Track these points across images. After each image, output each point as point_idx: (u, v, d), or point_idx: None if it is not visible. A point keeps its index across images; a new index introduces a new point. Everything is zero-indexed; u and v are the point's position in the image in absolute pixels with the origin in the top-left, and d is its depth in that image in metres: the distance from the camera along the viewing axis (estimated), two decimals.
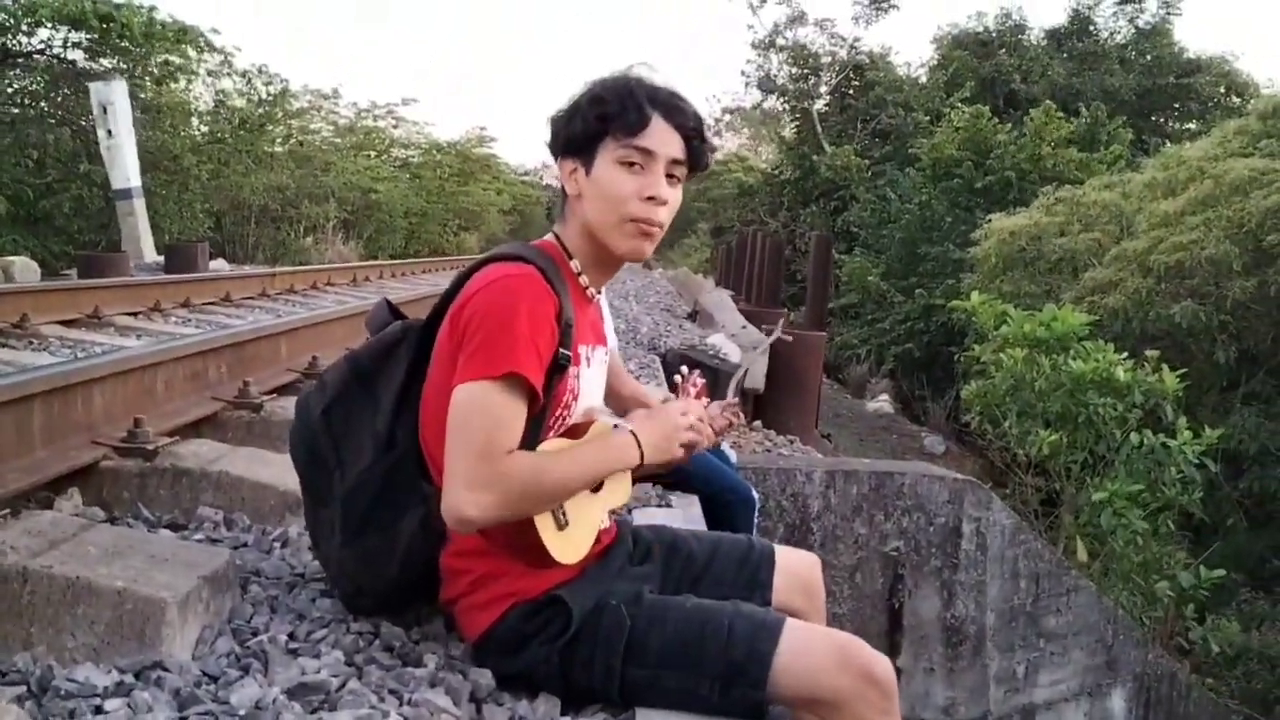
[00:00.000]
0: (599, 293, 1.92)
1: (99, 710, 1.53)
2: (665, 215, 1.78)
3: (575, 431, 1.82)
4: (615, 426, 1.83)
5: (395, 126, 26.91)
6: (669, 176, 1.78)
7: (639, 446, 1.77)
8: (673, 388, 2.10)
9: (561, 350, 1.72)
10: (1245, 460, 10.64)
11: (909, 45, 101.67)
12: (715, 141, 1.89)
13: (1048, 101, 20.95)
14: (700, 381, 2.04)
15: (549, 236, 1.87)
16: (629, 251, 1.79)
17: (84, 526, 1.96)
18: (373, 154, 25.33)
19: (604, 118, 1.74)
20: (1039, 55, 26.79)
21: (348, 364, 1.95)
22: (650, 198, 1.75)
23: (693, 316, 11.47)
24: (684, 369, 2.04)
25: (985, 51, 27.43)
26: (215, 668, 1.72)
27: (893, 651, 4.85)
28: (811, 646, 1.69)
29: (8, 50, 13.44)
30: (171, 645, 1.72)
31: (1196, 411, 8.72)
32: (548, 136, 1.83)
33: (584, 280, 1.84)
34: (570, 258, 1.83)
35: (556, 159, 1.83)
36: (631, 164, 1.75)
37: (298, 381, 3.91)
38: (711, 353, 7.37)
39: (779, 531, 4.81)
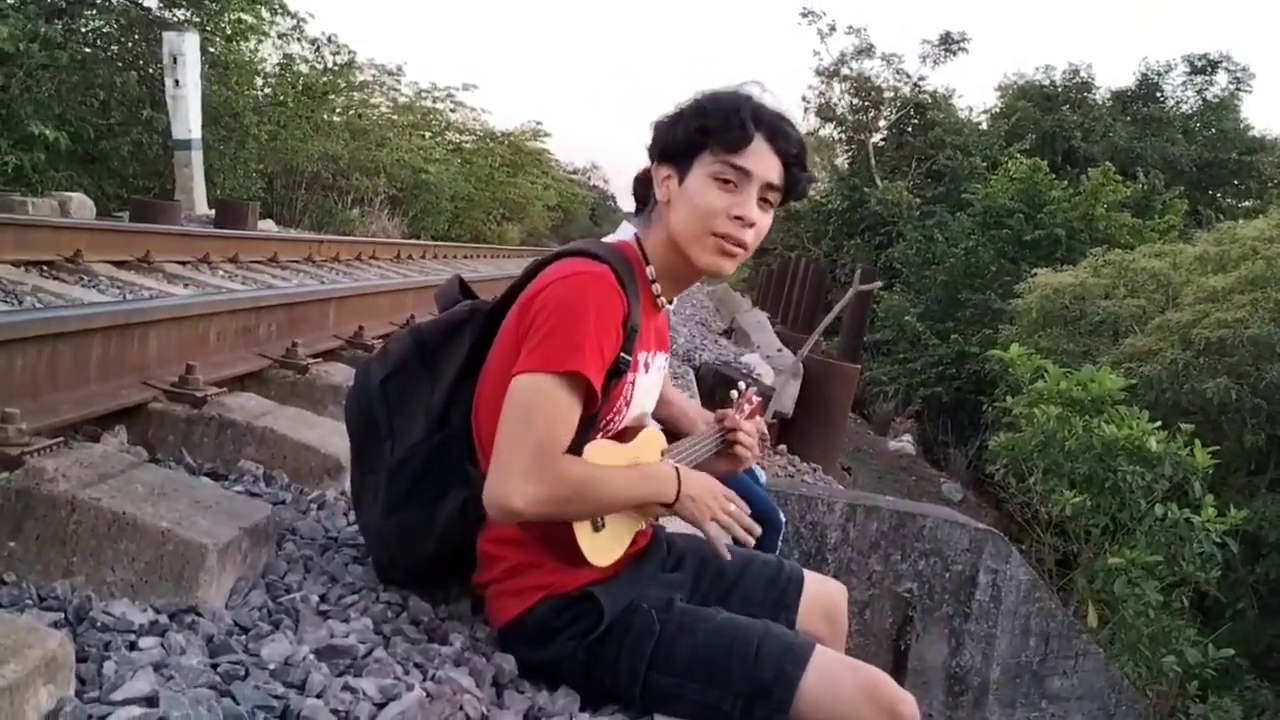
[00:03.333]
0: (670, 304, 1.92)
1: (133, 646, 1.55)
2: (751, 237, 1.77)
3: (625, 435, 1.82)
4: (663, 454, 1.82)
5: (453, 110, 27.04)
6: (762, 200, 1.77)
7: (678, 490, 1.77)
8: (720, 404, 2.10)
9: (623, 355, 1.73)
10: (1264, 546, 10.51)
11: (973, 89, 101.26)
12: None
13: (1107, 163, 20.80)
14: (756, 399, 2.04)
15: (629, 238, 1.88)
16: (709, 265, 1.79)
17: (132, 464, 1.99)
18: (428, 134, 25.45)
19: (705, 130, 1.74)
20: (1102, 115, 26.63)
21: (411, 337, 1.96)
22: (739, 217, 1.74)
23: (728, 334, 11.46)
24: (741, 384, 2.05)
25: (1049, 105, 27.28)
26: (247, 619, 1.74)
27: None
28: (839, 676, 1.69)
29: None
30: (207, 591, 1.74)
31: (1221, 490, 8.61)
32: (649, 139, 1.82)
33: (657, 288, 1.85)
34: (647, 263, 1.83)
35: (653, 163, 1.82)
36: (726, 180, 1.74)
37: (341, 348, 3.94)
38: (745, 372, 7.36)
39: (794, 557, 4.79)
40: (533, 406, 1.65)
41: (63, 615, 1.61)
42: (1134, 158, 24.05)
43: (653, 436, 1.89)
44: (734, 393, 2.06)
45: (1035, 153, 22.64)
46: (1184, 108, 27.51)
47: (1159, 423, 7.21)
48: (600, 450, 1.76)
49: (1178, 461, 6.91)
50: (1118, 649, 6.52)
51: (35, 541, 1.73)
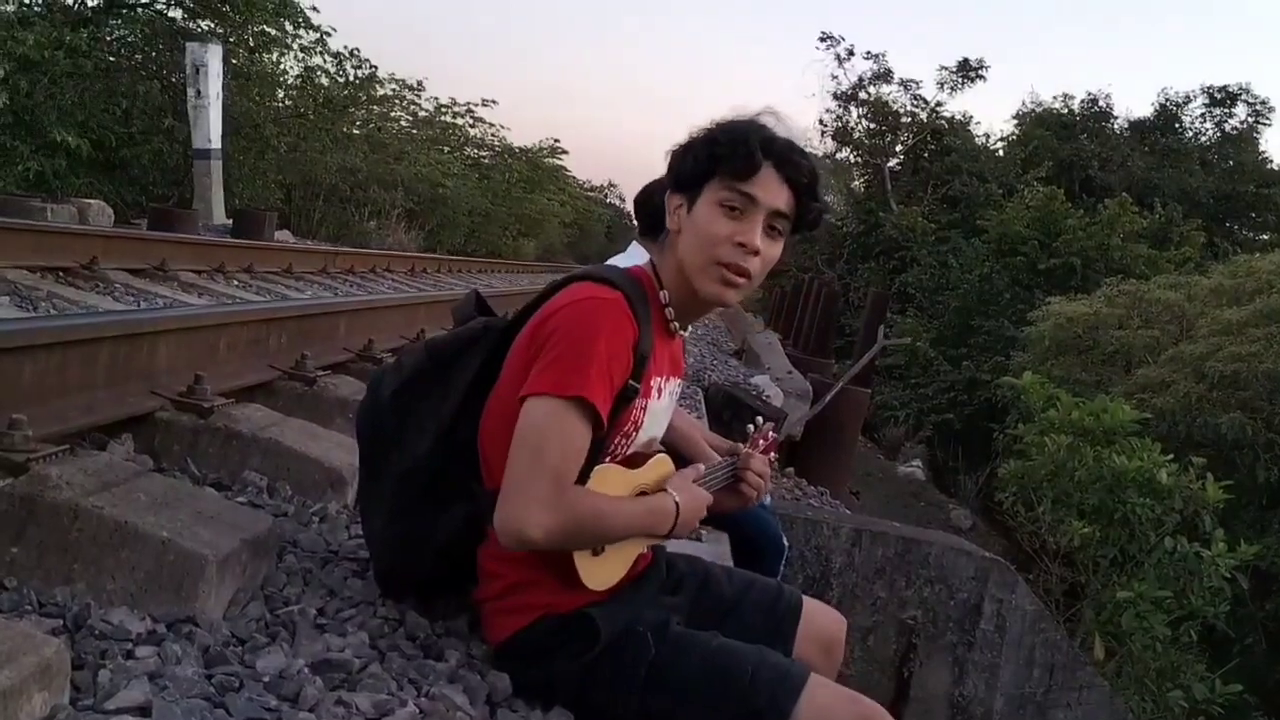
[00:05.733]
0: (684, 330, 1.91)
1: (129, 655, 1.55)
2: (757, 266, 1.77)
3: (635, 460, 1.83)
4: (668, 482, 1.83)
5: (472, 126, 27.22)
6: (770, 228, 1.76)
7: (675, 519, 1.79)
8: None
9: (631, 382, 1.73)
10: (1274, 582, 10.42)
11: (990, 115, 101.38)
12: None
13: (1124, 194, 20.80)
14: (773, 436, 2.04)
15: (645, 264, 1.89)
16: (712, 295, 1.79)
17: (136, 473, 2.00)
18: (446, 149, 25.58)
19: (714, 158, 1.74)
20: (1120, 145, 26.65)
21: (425, 350, 1.97)
22: (741, 244, 1.74)
23: (739, 354, 11.46)
24: (759, 419, 2.04)
25: (1067, 133, 27.32)
26: (244, 631, 1.75)
27: None
28: (833, 707, 1.68)
29: (114, 0, 13.81)
30: (206, 602, 1.75)
31: (1232, 525, 8.56)
32: (664, 170, 1.84)
33: (670, 313, 1.85)
34: (662, 289, 1.84)
35: (669, 193, 1.83)
36: (732, 207, 1.74)
37: (351, 361, 3.96)
38: (754, 393, 7.35)
39: (798, 582, 4.78)
40: (546, 434, 1.65)
41: (61, 622, 1.62)
42: (1151, 188, 24.06)
43: (661, 463, 1.89)
44: (750, 426, 2.05)
45: (1052, 181, 22.67)
46: (1202, 139, 27.54)
47: (1171, 455, 7.18)
48: (608, 475, 1.77)
49: (1189, 495, 6.88)
50: (1124, 682, 6.47)
51: (37, 548, 1.74)
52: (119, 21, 14.16)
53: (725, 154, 1.74)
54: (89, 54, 12.33)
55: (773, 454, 2.01)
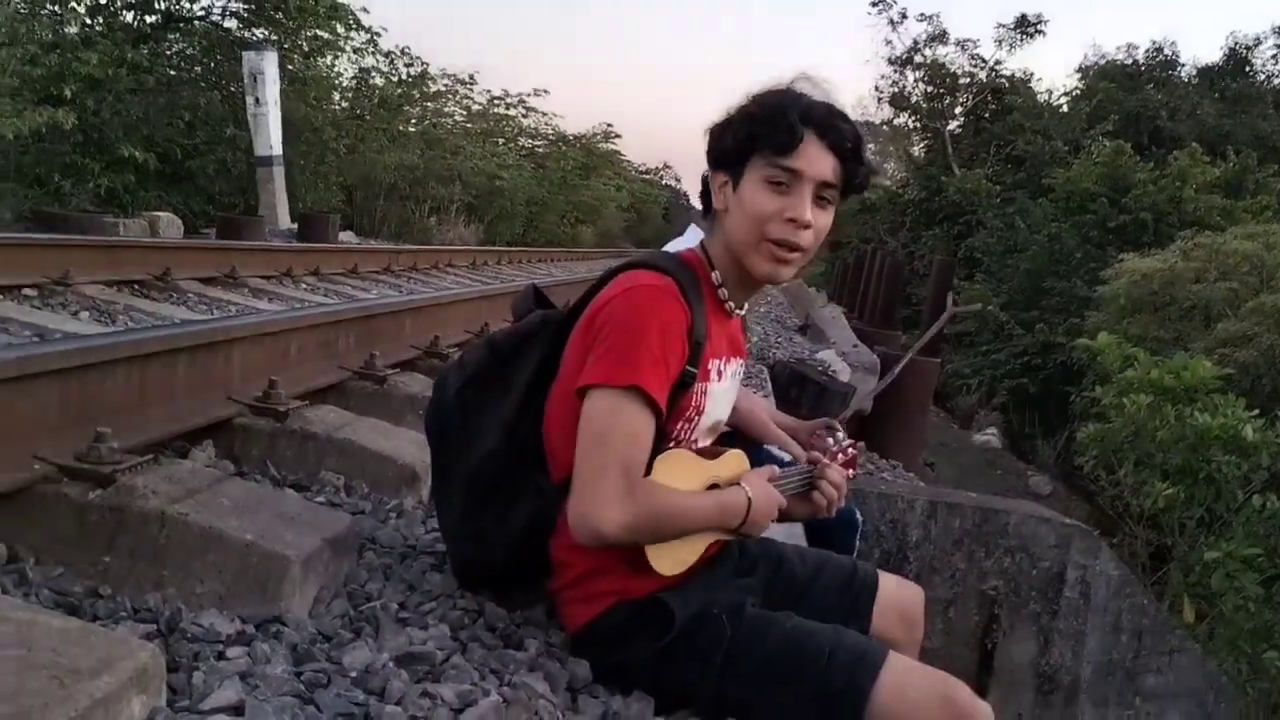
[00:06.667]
0: (740, 309, 1.91)
1: (221, 656, 1.60)
2: (808, 239, 1.75)
3: (710, 453, 1.83)
4: (738, 484, 1.82)
5: (525, 116, 27.34)
6: (819, 199, 1.74)
7: (747, 514, 1.78)
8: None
9: (688, 368, 1.73)
10: None
11: (1051, 71, 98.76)
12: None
13: (1194, 144, 20.17)
14: (852, 452, 2.02)
15: (696, 246, 1.88)
16: (765, 274, 1.78)
17: (218, 479, 2.06)
18: (501, 141, 25.74)
19: (754, 135, 1.72)
20: (1189, 93, 25.85)
21: (487, 347, 2.00)
22: (792, 220, 1.72)
23: (803, 330, 11.38)
24: (838, 434, 2.03)
25: (1132, 85, 26.57)
26: (329, 627, 1.79)
27: (981, 693, 4.72)
28: (912, 684, 1.67)
29: (171, 14, 14.10)
30: (291, 601, 1.79)
31: None
32: (704, 147, 1.82)
33: (723, 294, 1.84)
34: (713, 269, 1.83)
35: (710, 170, 1.82)
36: (778, 184, 1.72)
37: (418, 358, 4.02)
38: (821, 369, 7.29)
39: (874, 556, 4.74)
40: (610, 429, 1.66)
41: (155, 626, 1.68)
42: (1223, 136, 23.29)
43: (737, 459, 1.88)
44: (830, 440, 2.04)
45: (1119, 134, 22.08)
46: (1276, 82, 26.52)
47: (1256, 410, 6.98)
48: (679, 461, 1.77)
49: (1276, 450, 6.68)
50: (1216, 645, 6.32)
51: (128, 556, 1.81)
52: (177, 35, 14.46)
53: (765, 130, 1.72)
54: (150, 69, 12.62)
55: (851, 471, 1.98)
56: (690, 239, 3.29)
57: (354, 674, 1.62)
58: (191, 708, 1.41)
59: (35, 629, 1.34)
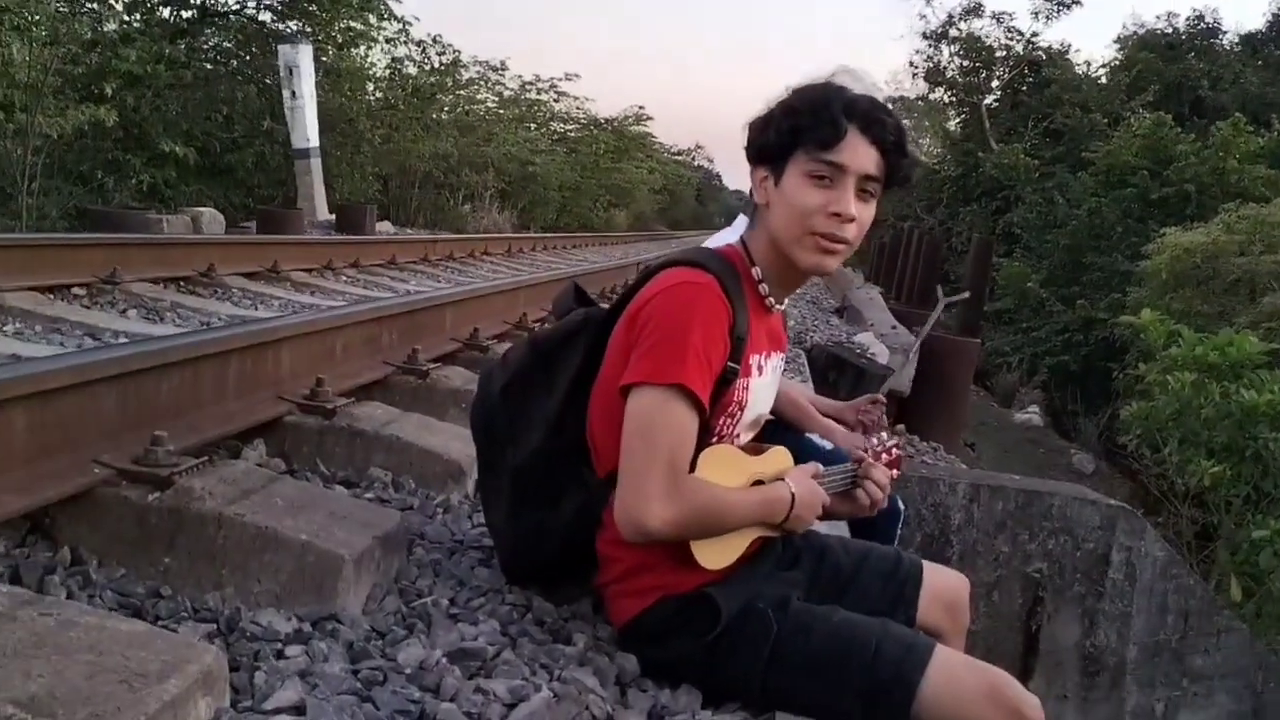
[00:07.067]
0: (780, 305, 1.92)
1: (280, 655, 1.65)
2: (852, 232, 1.76)
3: (754, 450, 1.85)
4: (782, 480, 1.84)
5: (556, 101, 27.35)
6: (861, 192, 1.75)
7: (790, 509, 1.79)
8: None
9: (730, 364, 1.74)
10: None
11: (1090, 43, 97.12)
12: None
13: (1237, 114, 19.75)
14: (897, 452, 2.03)
15: (736, 241, 1.89)
16: (811, 266, 1.79)
17: (271, 479, 2.10)
18: (533, 126, 25.78)
19: (796, 130, 1.72)
20: (1231, 62, 25.30)
21: (529, 345, 2.03)
22: (836, 214, 1.73)
23: (840, 312, 11.33)
24: (883, 434, 2.04)
25: (1173, 55, 26.05)
26: (383, 624, 1.83)
27: (1025, 675, 4.72)
28: (960, 677, 1.67)
29: (206, 9, 14.24)
30: (345, 599, 1.84)
31: None
32: (744, 141, 1.82)
33: (764, 289, 1.85)
34: (753, 265, 1.85)
35: (751, 165, 1.83)
36: (821, 177, 1.72)
37: (459, 351, 4.06)
38: (859, 351, 7.27)
39: (916, 540, 4.74)
40: (653, 425, 1.68)
41: (215, 626, 1.72)
42: (1267, 105, 22.78)
43: (781, 456, 1.90)
44: (874, 440, 2.05)
45: (1160, 105, 21.71)
46: None
47: None
48: (723, 457, 1.78)
49: None
50: (1265, 623, 6.24)
51: (187, 556, 1.86)
52: (213, 30, 14.62)
53: (808, 124, 1.72)
54: (188, 64, 12.78)
55: (896, 471, 1.99)
56: (739, 229, 3.30)
57: (409, 671, 1.65)
58: (255, 708, 1.45)
59: (104, 633, 1.39)
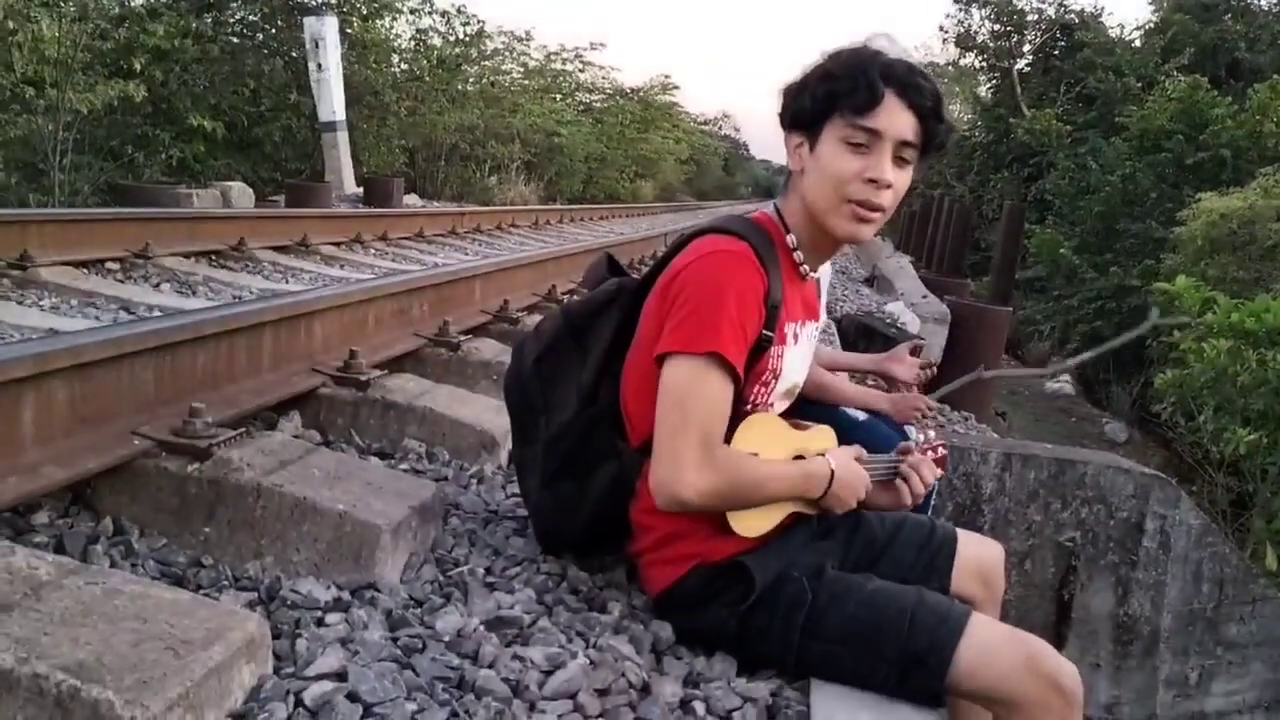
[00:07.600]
0: (815, 273, 1.91)
1: (320, 622, 1.67)
2: (888, 199, 1.73)
3: (798, 425, 1.84)
4: (823, 454, 1.83)
5: (582, 70, 27.18)
6: (898, 158, 1.72)
7: (829, 485, 1.79)
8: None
9: (765, 332, 1.73)
10: None
11: (1124, 5, 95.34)
12: None
13: (1275, 76, 19.33)
14: (943, 451, 2.01)
15: (770, 208, 1.88)
16: (846, 234, 1.77)
17: (308, 450, 2.12)
18: (558, 97, 25.64)
19: (833, 95, 1.70)
20: (1269, 22, 24.72)
21: (563, 316, 2.03)
22: (872, 180, 1.70)
23: (870, 281, 11.26)
24: (930, 433, 2.03)
25: (1208, 15, 25.47)
26: (421, 593, 1.85)
27: (1058, 643, 4.71)
28: (996, 646, 1.66)
29: None
30: (383, 568, 1.86)
31: None
32: (778, 107, 1.80)
33: (799, 257, 1.84)
34: (788, 232, 1.83)
35: (785, 131, 1.81)
36: (857, 144, 1.70)
37: (489, 323, 4.07)
38: (889, 321, 7.23)
39: (948, 510, 4.72)
40: (687, 394, 1.67)
41: (256, 594, 1.75)
42: None
43: (826, 436, 1.90)
44: (921, 436, 2.04)
45: (1195, 69, 21.27)
46: None
47: None
48: (765, 426, 1.78)
49: None
50: None
51: (227, 526, 1.88)
52: (238, 3, 14.61)
53: (845, 89, 1.69)
54: (214, 38, 12.80)
55: (940, 471, 1.98)
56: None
57: (447, 638, 1.67)
58: (297, 674, 1.47)
59: (148, 601, 1.41)
